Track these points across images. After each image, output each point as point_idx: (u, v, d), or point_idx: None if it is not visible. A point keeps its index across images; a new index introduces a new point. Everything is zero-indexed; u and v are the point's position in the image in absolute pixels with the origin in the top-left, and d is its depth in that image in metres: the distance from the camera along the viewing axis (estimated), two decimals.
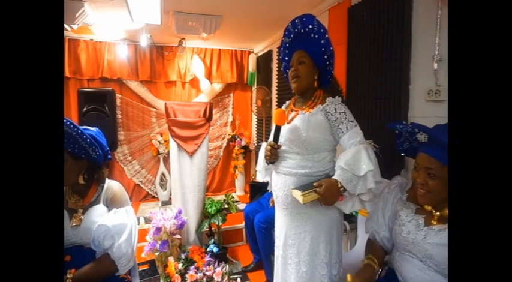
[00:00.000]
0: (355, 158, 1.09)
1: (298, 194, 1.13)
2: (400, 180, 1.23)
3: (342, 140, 1.20)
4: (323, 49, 1.25)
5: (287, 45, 1.37)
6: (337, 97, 1.25)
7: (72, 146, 1.13)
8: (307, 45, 1.27)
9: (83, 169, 1.20)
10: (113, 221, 1.14)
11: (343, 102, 1.25)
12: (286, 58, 1.39)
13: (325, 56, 1.26)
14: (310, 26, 1.24)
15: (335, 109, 1.21)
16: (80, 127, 1.12)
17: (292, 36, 1.32)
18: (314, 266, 1.23)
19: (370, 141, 1.16)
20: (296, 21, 1.28)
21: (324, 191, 1.08)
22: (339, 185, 1.09)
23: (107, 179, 1.30)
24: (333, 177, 1.11)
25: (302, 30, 1.27)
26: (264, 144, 1.42)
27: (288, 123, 1.29)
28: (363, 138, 1.18)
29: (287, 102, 1.45)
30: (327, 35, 1.23)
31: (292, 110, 1.34)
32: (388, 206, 1.17)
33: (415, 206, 1.09)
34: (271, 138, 1.34)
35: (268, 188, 1.50)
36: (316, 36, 1.24)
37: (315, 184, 1.11)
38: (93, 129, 1.22)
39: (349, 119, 1.20)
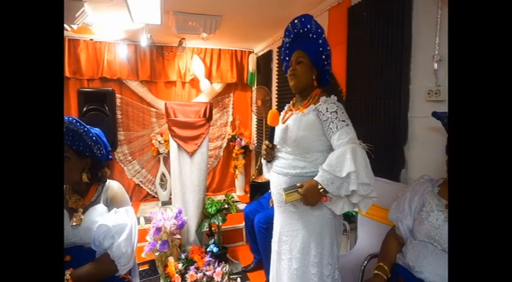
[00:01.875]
0: (339, 159, 1.07)
1: (282, 194, 1.17)
2: (430, 176, 1.24)
3: (332, 140, 1.18)
4: (321, 49, 1.26)
5: (287, 45, 1.38)
6: (332, 96, 1.24)
7: (77, 144, 1.16)
8: (305, 45, 1.29)
9: (86, 167, 1.21)
10: (113, 221, 1.14)
11: (341, 101, 1.26)
12: (287, 58, 1.41)
13: (323, 56, 1.27)
14: (309, 26, 1.26)
15: (326, 108, 1.19)
16: (87, 125, 1.15)
17: (292, 36, 1.34)
18: (305, 264, 1.23)
19: (360, 142, 1.13)
20: (295, 21, 1.29)
21: (304, 192, 1.10)
22: (319, 186, 1.08)
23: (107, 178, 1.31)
24: (314, 178, 1.11)
25: (301, 31, 1.29)
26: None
27: (283, 123, 1.31)
28: (353, 138, 1.15)
29: (290, 103, 1.47)
30: (324, 35, 1.25)
31: (290, 110, 1.36)
32: (417, 197, 1.19)
33: (446, 201, 1.09)
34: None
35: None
36: (314, 36, 1.25)
37: (298, 184, 1.13)
38: (97, 129, 1.24)
39: (340, 119, 1.17)
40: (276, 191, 1.29)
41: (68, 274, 1.04)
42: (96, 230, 1.12)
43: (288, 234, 1.28)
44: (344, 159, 1.06)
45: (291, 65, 1.32)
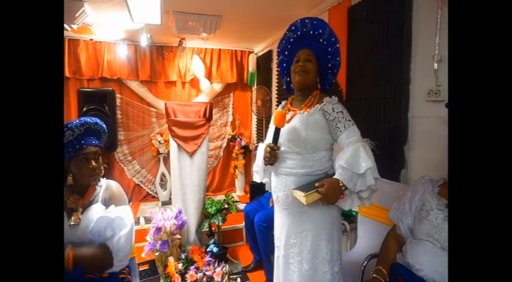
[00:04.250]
0: (354, 157, 1.12)
1: (300, 195, 1.13)
2: (430, 176, 1.24)
3: (340, 139, 1.22)
4: (329, 57, 1.27)
5: (291, 40, 1.35)
6: (333, 96, 1.27)
7: (102, 141, 1.28)
8: (314, 47, 1.29)
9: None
10: (114, 214, 1.15)
11: (341, 101, 1.27)
12: (286, 52, 1.38)
13: (329, 64, 1.28)
14: (321, 31, 1.26)
15: (333, 108, 1.22)
16: (102, 123, 1.29)
17: (298, 33, 1.32)
18: (316, 263, 1.24)
19: (367, 139, 1.18)
20: (306, 21, 1.29)
21: (326, 191, 1.10)
22: (341, 184, 1.11)
23: (105, 178, 1.32)
24: (334, 177, 1.13)
25: (311, 32, 1.28)
26: (260, 146, 1.43)
27: (287, 123, 1.29)
28: (360, 136, 1.20)
29: (283, 103, 1.45)
30: (337, 45, 1.26)
31: (289, 110, 1.34)
32: (417, 196, 1.20)
33: (447, 201, 1.10)
34: (267, 140, 1.36)
35: (267, 189, 1.51)
36: (325, 42, 1.26)
37: (317, 184, 1.13)
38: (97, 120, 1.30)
39: (346, 118, 1.22)
40: (283, 193, 1.27)
41: (68, 249, 1.06)
42: (97, 221, 1.12)
43: (296, 236, 1.27)
44: (359, 157, 1.11)
45: (298, 61, 1.29)
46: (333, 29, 1.27)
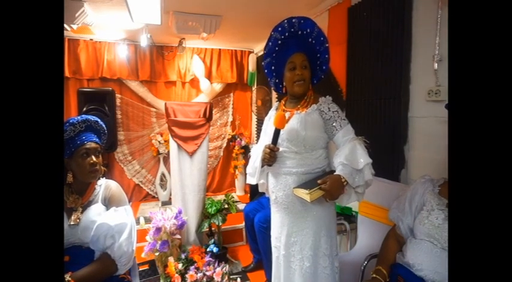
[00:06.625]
0: (353, 153, 1.17)
1: (303, 193, 1.15)
2: (430, 176, 1.24)
3: (336, 138, 1.26)
4: (318, 55, 1.29)
5: (278, 42, 1.32)
6: (327, 96, 1.30)
7: (102, 139, 1.30)
8: (306, 50, 1.29)
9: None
10: (114, 220, 1.15)
11: (341, 101, 1.28)
12: (274, 54, 1.35)
13: (318, 61, 1.31)
14: (309, 30, 1.26)
15: (329, 108, 1.26)
16: (103, 124, 1.32)
17: (286, 34, 1.29)
18: (317, 260, 1.26)
19: (362, 137, 1.23)
20: (293, 20, 1.26)
21: (329, 187, 1.12)
22: (343, 180, 1.14)
23: (105, 178, 1.32)
24: (335, 173, 1.16)
25: (299, 32, 1.27)
26: (254, 147, 1.43)
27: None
28: (354, 134, 1.25)
29: (276, 104, 1.47)
30: (327, 45, 1.28)
31: (284, 111, 1.34)
32: (417, 196, 1.20)
33: (447, 201, 1.10)
34: (261, 141, 1.38)
35: (261, 190, 1.52)
36: (314, 41, 1.27)
37: (319, 181, 1.14)
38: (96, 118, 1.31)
39: (341, 117, 1.26)
40: (283, 193, 1.29)
41: (68, 277, 1.03)
42: (97, 229, 1.12)
43: (297, 235, 1.28)
44: (357, 153, 1.17)
45: (294, 68, 1.27)
46: (321, 29, 1.28)
